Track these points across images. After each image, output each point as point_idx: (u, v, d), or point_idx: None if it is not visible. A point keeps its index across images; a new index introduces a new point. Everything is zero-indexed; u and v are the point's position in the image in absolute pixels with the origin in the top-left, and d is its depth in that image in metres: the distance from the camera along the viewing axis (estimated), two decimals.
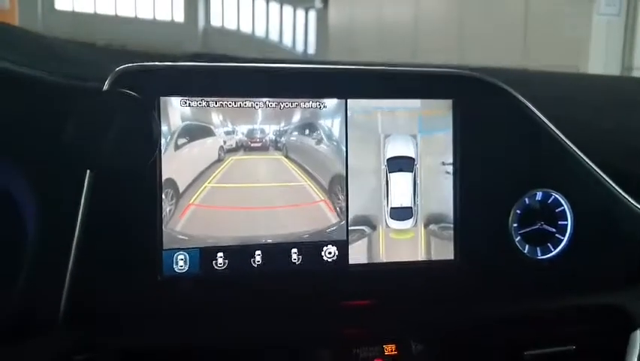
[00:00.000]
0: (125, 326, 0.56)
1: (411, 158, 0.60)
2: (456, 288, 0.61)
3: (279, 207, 0.57)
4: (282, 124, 0.57)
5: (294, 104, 0.58)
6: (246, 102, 0.57)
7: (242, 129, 0.57)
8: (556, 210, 0.63)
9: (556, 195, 0.63)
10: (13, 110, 0.53)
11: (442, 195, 0.61)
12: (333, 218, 0.58)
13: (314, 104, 0.58)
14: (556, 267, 0.63)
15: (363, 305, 0.60)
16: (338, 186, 0.58)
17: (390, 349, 0.62)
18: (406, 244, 0.60)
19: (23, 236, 0.52)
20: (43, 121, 0.53)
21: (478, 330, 0.65)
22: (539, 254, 0.63)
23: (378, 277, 0.59)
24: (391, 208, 0.60)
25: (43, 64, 0.59)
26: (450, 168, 0.61)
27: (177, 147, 0.55)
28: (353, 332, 0.62)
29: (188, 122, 0.55)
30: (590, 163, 0.65)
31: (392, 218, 0.60)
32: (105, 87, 0.54)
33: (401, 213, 0.60)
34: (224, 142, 0.56)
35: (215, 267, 0.56)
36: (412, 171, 0.60)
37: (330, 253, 0.58)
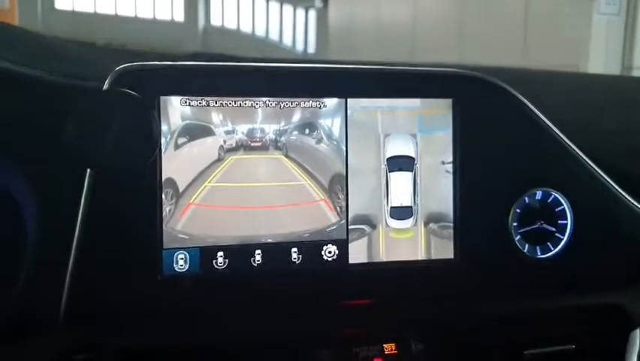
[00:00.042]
0: (125, 326, 0.56)
1: (411, 157, 0.60)
2: (456, 287, 0.62)
3: (279, 206, 0.57)
4: (282, 123, 0.57)
5: (294, 104, 0.58)
6: (246, 102, 0.57)
7: (242, 129, 0.57)
8: (556, 210, 0.63)
9: (556, 195, 0.63)
10: (13, 110, 0.53)
11: (441, 195, 0.61)
12: (333, 217, 0.58)
13: (314, 104, 0.58)
14: (556, 266, 0.63)
15: (363, 304, 0.60)
16: (338, 186, 0.58)
17: (390, 348, 0.62)
18: (405, 243, 0.60)
19: (23, 236, 0.52)
20: (43, 121, 0.53)
21: (478, 329, 0.65)
22: (539, 253, 0.63)
23: (378, 276, 0.59)
24: (391, 207, 0.60)
25: (43, 63, 0.59)
26: (450, 168, 0.61)
27: (177, 147, 0.55)
28: (353, 331, 0.62)
29: (188, 121, 0.55)
30: (590, 162, 0.65)
31: (392, 217, 0.60)
32: (105, 87, 0.54)
33: (401, 213, 0.60)
34: (224, 141, 0.56)
35: (216, 266, 0.56)
36: (411, 171, 0.61)
37: (330, 252, 0.58)
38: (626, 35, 3.36)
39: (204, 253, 0.56)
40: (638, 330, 0.69)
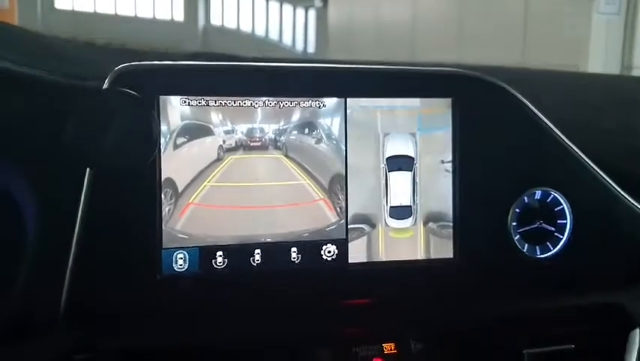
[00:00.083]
0: (124, 326, 0.56)
1: (410, 157, 0.60)
2: (455, 287, 0.62)
3: (279, 206, 0.57)
4: (282, 123, 0.57)
5: (293, 103, 0.58)
6: (246, 101, 0.57)
7: (241, 128, 0.57)
8: (556, 209, 0.63)
9: (556, 194, 0.63)
10: (12, 110, 0.53)
11: (441, 194, 0.61)
12: (332, 217, 0.58)
13: (313, 103, 0.58)
14: (556, 266, 0.63)
15: (363, 304, 0.60)
16: (338, 185, 0.58)
17: (389, 348, 0.62)
18: (405, 243, 0.60)
19: (23, 236, 0.51)
20: (42, 120, 0.53)
21: (478, 329, 0.65)
22: (538, 253, 0.63)
23: (377, 275, 0.59)
24: (391, 207, 0.60)
25: (43, 63, 0.59)
26: (449, 167, 0.61)
27: (176, 146, 0.55)
28: (352, 331, 0.62)
29: (187, 121, 0.55)
30: (590, 162, 0.65)
31: (391, 217, 0.60)
32: (104, 86, 0.54)
33: (400, 212, 0.60)
34: (224, 141, 0.56)
35: (215, 266, 0.56)
36: (411, 170, 0.61)
37: (329, 251, 0.58)
38: (625, 35, 3.36)
39: (204, 253, 0.56)
40: (637, 330, 0.69)
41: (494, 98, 0.62)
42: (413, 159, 0.61)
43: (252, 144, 0.57)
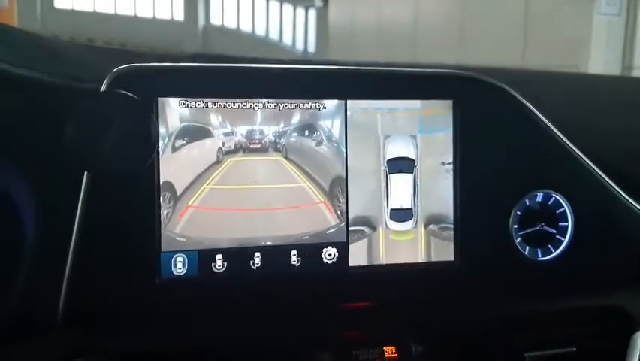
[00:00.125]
0: (123, 329, 0.55)
1: (411, 159, 0.60)
2: (456, 289, 0.61)
3: (279, 208, 0.57)
4: (282, 125, 0.57)
5: (293, 105, 0.57)
6: (245, 103, 0.56)
7: (241, 130, 0.56)
8: (557, 212, 0.63)
9: (557, 197, 0.63)
10: (11, 112, 0.53)
11: (442, 196, 0.61)
12: (332, 220, 0.58)
13: (313, 105, 0.58)
14: (557, 268, 0.63)
15: (363, 307, 0.60)
16: (338, 188, 0.58)
17: (390, 351, 0.62)
18: (406, 246, 0.60)
19: (21, 238, 0.51)
20: (41, 123, 0.53)
21: (479, 332, 0.65)
22: (540, 256, 0.63)
23: (378, 279, 0.59)
24: (391, 210, 0.60)
25: (42, 65, 0.58)
26: (450, 169, 0.61)
27: (175, 149, 0.55)
28: (353, 334, 0.62)
29: (186, 123, 0.55)
30: (591, 164, 0.64)
31: (392, 219, 0.60)
32: (103, 88, 0.53)
33: (401, 215, 0.60)
34: (223, 143, 0.56)
35: (214, 269, 0.56)
36: (412, 173, 0.60)
37: (329, 254, 0.58)
38: (626, 35, 3.36)
39: (203, 256, 0.55)
40: (639, 332, 0.68)
41: (495, 99, 0.62)
42: (414, 161, 0.60)
43: (251, 146, 0.56)
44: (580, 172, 0.64)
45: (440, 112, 0.61)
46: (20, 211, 0.51)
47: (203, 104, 0.55)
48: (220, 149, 0.56)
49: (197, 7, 8.81)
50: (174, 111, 0.55)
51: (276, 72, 0.59)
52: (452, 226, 0.61)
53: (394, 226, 0.60)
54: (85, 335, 0.54)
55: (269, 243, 0.57)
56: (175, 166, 0.55)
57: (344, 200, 0.58)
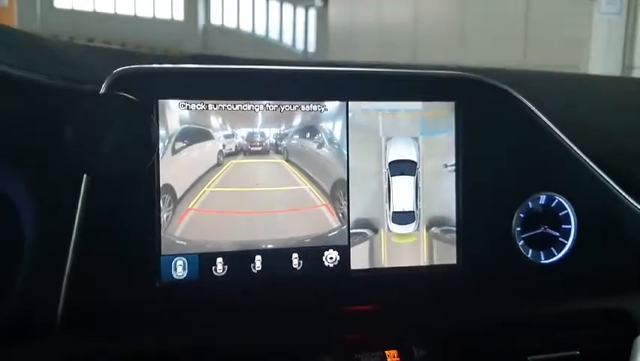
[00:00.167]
0: (123, 333, 0.55)
1: (413, 161, 0.60)
2: (458, 293, 0.61)
3: (280, 211, 0.56)
4: (283, 127, 0.57)
5: (294, 107, 0.57)
6: (246, 105, 0.56)
7: (241, 133, 0.56)
8: (560, 214, 0.63)
9: (560, 199, 0.62)
10: (11, 114, 0.53)
11: (444, 199, 0.60)
12: (334, 222, 0.58)
13: (315, 107, 0.57)
14: (560, 271, 0.62)
15: (365, 311, 0.59)
16: (340, 191, 0.58)
17: (392, 355, 0.61)
18: (408, 249, 0.60)
19: (21, 240, 0.51)
20: (40, 125, 0.53)
21: (482, 335, 0.64)
22: (543, 258, 0.62)
23: (380, 282, 0.59)
24: (393, 212, 0.59)
25: (41, 67, 0.58)
26: (452, 171, 0.60)
27: (175, 151, 0.54)
28: (354, 338, 0.62)
29: (186, 125, 0.55)
30: (594, 166, 0.64)
31: (394, 222, 0.59)
32: (102, 90, 0.53)
33: (403, 218, 0.59)
34: (224, 146, 0.55)
35: (215, 273, 0.55)
36: (414, 175, 0.60)
37: (331, 258, 0.58)
38: (627, 35, 3.36)
39: (203, 260, 0.55)
40: None
41: (498, 101, 0.62)
42: (416, 163, 0.60)
43: (252, 149, 0.56)
44: (583, 174, 0.64)
45: (442, 113, 0.60)
46: (20, 213, 0.51)
47: (203, 106, 0.55)
48: (221, 151, 0.55)
49: (197, 7, 8.80)
50: (174, 113, 0.54)
51: (277, 74, 0.58)
52: (455, 228, 0.60)
53: (396, 228, 0.59)
54: (84, 337, 0.54)
55: (270, 246, 0.56)
56: (175, 169, 0.54)
57: (345, 203, 0.58)
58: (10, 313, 0.51)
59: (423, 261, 0.60)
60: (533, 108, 0.62)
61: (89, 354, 0.55)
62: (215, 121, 0.55)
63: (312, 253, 0.57)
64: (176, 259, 0.54)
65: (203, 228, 0.55)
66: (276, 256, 0.56)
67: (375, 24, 5.98)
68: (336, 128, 0.58)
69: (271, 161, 0.56)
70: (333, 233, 0.58)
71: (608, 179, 0.64)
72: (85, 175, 0.52)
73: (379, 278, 0.59)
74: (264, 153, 0.56)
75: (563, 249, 0.62)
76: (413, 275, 0.59)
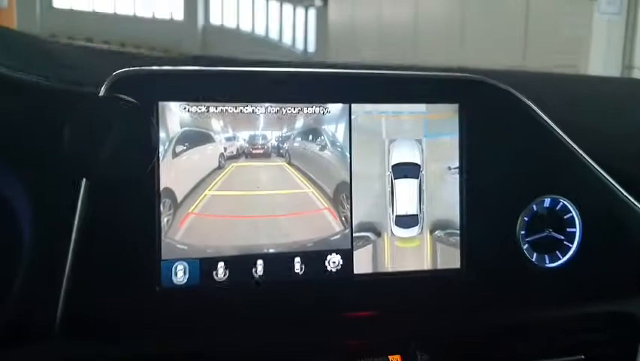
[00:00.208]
0: (122, 338, 0.54)
1: (416, 164, 0.59)
2: (462, 297, 0.60)
3: (282, 215, 0.56)
4: (285, 130, 0.56)
5: (296, 109, 0.56)
6: (247, 107, 0.55)
7: (243, 135, 0.55)
8: (565, 217, 0.62)
9: (565, 202, 0.62)
10: (9, 116, 0.52)
11: (448, 202, 0.60)
12: (337, 226, 0.57)
13: (317, 109, 0.57)
14: (565, 275, 0.62)
15: (368, 316, 0.59)
16: (343, 194, 0.57)
17: (395, 360, 0.61)
18: (411, 252, 0.59)
19: (20, 243, 0.51)
20: (39, 127, 0.52)
21: (485, 340, 0.64)
22: (547, 262, 0.62)
23: (383, 286, 0.58)
24: (397, 216, 0.59)
25: (40, 69, 0.57)
26: (456, 173, 0.60)
27: (175, 155, 0.54)
28: (357, 343, 0.61)
29: (187, 128, 0.54)
30: (599, 168, 0.63)
31: (397, 226, 0.59)
32: (101, 92, 0.52)
33: (407, 221, 0.59)
34: (225, 149, 0.55)
35: (216, 278, 0.54)
36: (417, 178, 0.59)
37: (334, 262, 0.57)
38: (627, 35, 3.35)
39: (204, 264, 0.54)
40: None
41: (502, 103, 0.61)
42: (419, 166, 0.59)
43: (254, 152, 0.55)
44: (588, 177, 0.63)
45: (446, 116, 0.60)
46: (18, 215, 0.51)
47: (204, 109, 0.54)
48: (222, 154, 0.55)
49: (197, 7, 8.79)
50: (175, 116, 0.54)
51: (279, 76, 0.58)
52: (458, 232, 0.60)
53: (400, 232, 0.59)
54: (83, 341, 0.53)
55: (272, 250, 0.55)
56: (175, 172, 0.54)
57: (348, 206, 0.57)
58: (8, 316, 0.50)
59: (426, 265, 0.59)
60: (537, 110, 0.62)
61: (88, 359, 0.54)
62: (216, 123, 0.54)
63: (314, 258, 0.56)
64: (176, 264, 0.54)
65: (204, 232, 0.54)
66: (278, 261, 0.56)
67: (375, 24, 5.97)
68: (338, 131, 0.57)
69: (273, 164, 0.56)
70: (336, 237, 0.57)
71: (612, 182, 0.64)
72: (84, 179, 0.51)
73: (382, 283, 0.58)
74: (265, 155, 0.56)
75: (567, 252, 0.62)
76: (417, 279, 0.59)
